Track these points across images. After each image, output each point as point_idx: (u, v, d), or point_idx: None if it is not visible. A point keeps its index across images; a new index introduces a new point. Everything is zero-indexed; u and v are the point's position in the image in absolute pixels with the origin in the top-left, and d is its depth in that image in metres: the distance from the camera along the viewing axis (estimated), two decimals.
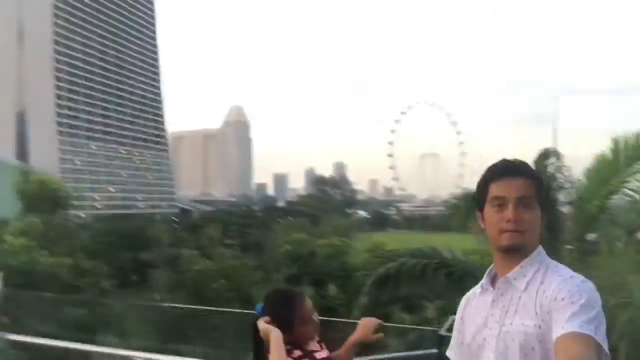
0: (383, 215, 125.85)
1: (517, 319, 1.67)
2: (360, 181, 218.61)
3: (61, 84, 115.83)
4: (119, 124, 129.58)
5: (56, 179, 30.20)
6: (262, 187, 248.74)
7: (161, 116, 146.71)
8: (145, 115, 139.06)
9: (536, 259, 1.75)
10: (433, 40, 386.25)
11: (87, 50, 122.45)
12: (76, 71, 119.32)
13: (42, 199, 24.95)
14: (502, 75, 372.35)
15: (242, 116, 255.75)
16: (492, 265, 1.85)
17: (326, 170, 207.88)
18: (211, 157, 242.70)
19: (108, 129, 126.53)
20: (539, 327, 1.61)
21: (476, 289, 1.91)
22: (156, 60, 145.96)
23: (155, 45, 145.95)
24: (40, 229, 23.65)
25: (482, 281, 1.86)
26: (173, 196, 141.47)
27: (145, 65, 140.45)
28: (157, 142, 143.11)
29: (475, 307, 1.85)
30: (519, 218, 1.70)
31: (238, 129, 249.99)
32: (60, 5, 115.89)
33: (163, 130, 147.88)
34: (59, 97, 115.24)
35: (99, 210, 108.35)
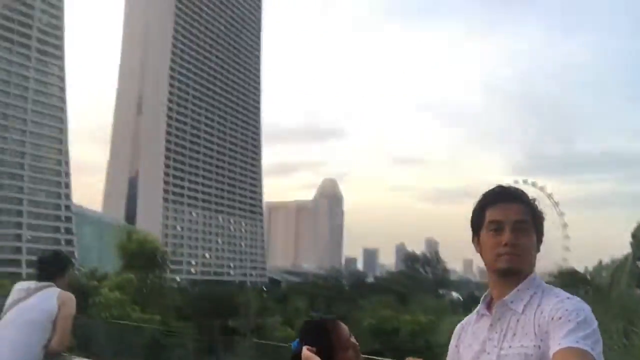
0: (477, 298, 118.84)
1: (516, 341, 1.67)
2: (453, 260, 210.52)
3: (170, 154, 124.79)
4: (218, 192, 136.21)
5: (155, 239, 31.75)
6: (351, 261, 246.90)
7: (258, 187, 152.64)
8: (243, 186, 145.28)
9: (532, 282, 1.77)
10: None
11: (195, 124, 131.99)
12: (184, 142, 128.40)
13: (141, 257, 26.19)
14: None
15: (335, 189, 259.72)
16: (487, 291, 1.88)
17: (418, 247, 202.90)
18: (303, 228, 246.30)
19: (208, 198, 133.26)
20: (539, 347, 1.61)
21: (471, 316, 1.91)
22: (257, 134, 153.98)
23: (258, 121, 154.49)
24: (136, 285, 24.67)
25: (478, 307, 1.86)
26: (264, 265, 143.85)
27: (246, 139, 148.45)
28: (253, 212, 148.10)
29: (471, 334, 1.84)
30: (515, 242, 1.73)
31: (331, 202, 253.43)
32: (176, 82, 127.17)
33: (259, 200, 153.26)
34: (167, 166, 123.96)
35: (194, 275, 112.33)
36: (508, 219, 1.76)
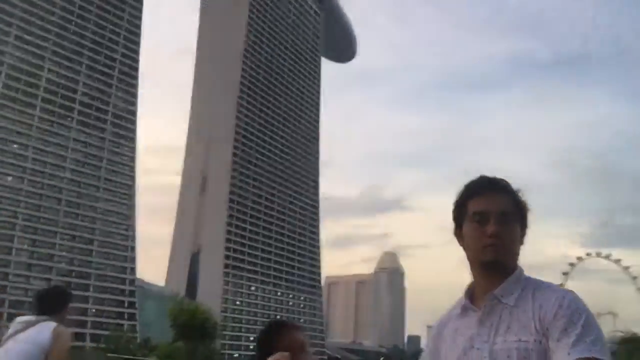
0: None
1: (512, 335, 1.61)
2: None
3: (231, 229, 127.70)
4: (277, 267, 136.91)
5: (207, 310, 32.22)
6: (414, 339, 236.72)
7: (317, 260, 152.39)
8: (303, 259, 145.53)
9: (521, 275, 1.72)
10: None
11: (256, 198, 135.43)
12: (245, 217, 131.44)
13: (192, 327, 26.70)
14: None
15: (396, 263, 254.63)
16: (468, 285, 1.80)
17: None
18: (363, 303, 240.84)
19: (267, 272, 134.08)
20: (540, 342, 1.57)
21: (451, 311, 1.83)
22: (316, 206, 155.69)
23: (316, 193, 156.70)
24: (185, 354, 25.06)
25: (462, 302, 1.78)
26: (323, 342, 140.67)
27: (305, 211, 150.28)
28: (312, 286, 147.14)
29: (455, 330, 1.76)
30: (501, 233, 1.68)
31: (392, 276, 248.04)
32: (238, 159, 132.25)
33: (318, 274, 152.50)
34: (228, 240, 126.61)
35: (252, 351, 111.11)
36: (493, 209, 1.70)
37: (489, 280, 1.71)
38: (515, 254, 1.73)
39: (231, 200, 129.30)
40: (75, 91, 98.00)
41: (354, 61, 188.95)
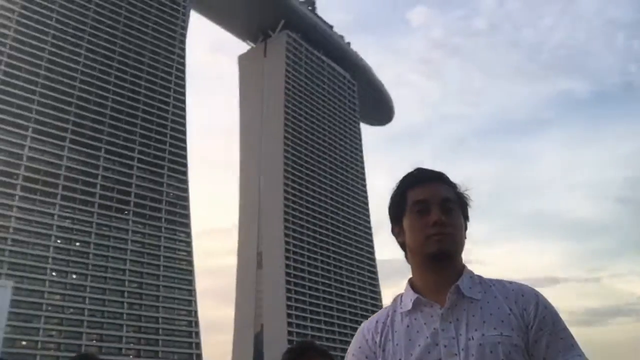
0: None
1: (490, 329, 1.51)
2: None
3: (291, 303, 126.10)
4: (341, 337, 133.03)
5: None
6: None
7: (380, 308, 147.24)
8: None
9: (472, 271, 1.66)
10: None
11: (312, 269, 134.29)
12: (303, 290, 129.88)
13: None
14: None
15: None
16: (409, 281, 1.69)
17: None
18: None
19: (333, 344, 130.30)
20: (522, 338, 1.51)
21: (390, 311, 1.69)
22: (374, 272, 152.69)
23: (372, 259, 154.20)
24: None
25: (410, 297, 1.64)
26: None
27: (364, 278, 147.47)
28: None
29: (408, 328, 1.61)
30: (445, 221, 1.59)
31: None
32: (290, 232, 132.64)
33: None
34: (289, 315, 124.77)
35: None
36: (434, 197, 1.62)
37: (438, 274, 1.61)
38: (461, 244, 1.63)
39: (287, 274, 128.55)
40: (129, 185, 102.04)
41: (393, 122, 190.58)
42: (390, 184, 1.59)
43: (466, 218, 1.69)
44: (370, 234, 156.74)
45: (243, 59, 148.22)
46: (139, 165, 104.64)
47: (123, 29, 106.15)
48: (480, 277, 1.65)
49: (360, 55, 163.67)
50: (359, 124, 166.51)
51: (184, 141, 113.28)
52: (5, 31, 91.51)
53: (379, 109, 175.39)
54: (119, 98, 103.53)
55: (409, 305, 1.62)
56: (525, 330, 1.51)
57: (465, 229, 1.68)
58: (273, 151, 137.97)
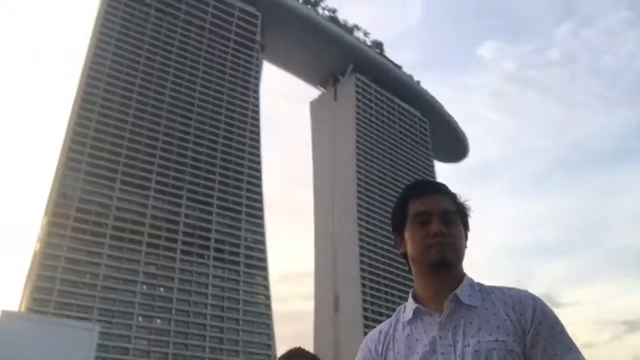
0: None
1: (485, 335, 1.53)
2: None
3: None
4: None
5: None
6: None
7: None
8: None
9: (472, 279, 1.69)
10: None
11: (390, 312, 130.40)
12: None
13: None
14: None
15: None
16: (412, 291, 1.73)
17: None
18: None
19: None
20: (518, 343, 1.53)
21: (396, 319, 1.74)
22: None
23: None
24: None
25: (411, 306, 1.68)
26: None
27: None
28: None
29: (407, 337, 1.65)
30: (445, 231, 1.63)
31: None
32: (366, 274, 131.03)
33: None
34: None
35: None
36: (435, 209, 1.66)
37: (439, 283, 1.64)
38: (461, 254, 1.66)
39: (365, 317, 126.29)
40: (209, 230, 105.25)
41: (468, 158, 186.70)
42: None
43: (466, 228, 1.72)
44: None
45: (314, 104, 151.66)
46: (218, 211, 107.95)
47: (201, 82, 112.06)
48: (480, 284, 1.67)
49: (431, 92, 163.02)
50: (432, 162, 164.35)
51: (260, 186, 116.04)
52: (96, 90, 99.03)
53: (453, 145, 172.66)
54: (198, 147, 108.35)
55: (410, 315, 1.66)
56: (522, 336, 1.53)
57: (466, 239, 1.70)
58: (346, 194, 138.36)
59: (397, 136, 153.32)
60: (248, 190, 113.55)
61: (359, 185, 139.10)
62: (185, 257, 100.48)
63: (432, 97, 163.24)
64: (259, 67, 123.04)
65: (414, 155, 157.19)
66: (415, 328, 1.64)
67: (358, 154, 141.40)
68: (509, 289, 1.65)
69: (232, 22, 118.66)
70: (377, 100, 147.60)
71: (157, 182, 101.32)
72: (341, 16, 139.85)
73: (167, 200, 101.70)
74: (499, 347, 1.50)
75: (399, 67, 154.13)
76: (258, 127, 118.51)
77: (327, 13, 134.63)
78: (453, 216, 1.68)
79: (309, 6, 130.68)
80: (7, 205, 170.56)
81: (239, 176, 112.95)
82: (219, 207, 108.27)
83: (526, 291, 1.63)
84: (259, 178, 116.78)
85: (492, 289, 1.66)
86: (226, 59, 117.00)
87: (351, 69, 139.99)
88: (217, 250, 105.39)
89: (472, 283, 1.67)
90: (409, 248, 1.68)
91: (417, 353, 1.58)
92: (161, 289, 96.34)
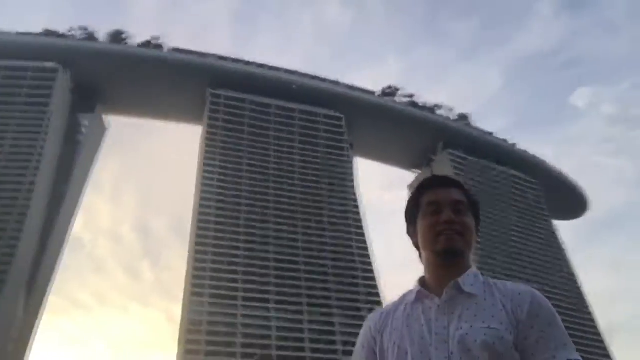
0: None
1: (479, 322, 1.60)
2: None
3: None
4: None
5: None
6: None
7: None
8: None
9: (478, 272, 1.75)
10: None
11: None
12: None
13: None
14: None
15: None
16: (420, 277, 1.81)
17: None
18: None
19: None
20: (510, 333, 1.57)
21: (399, 302, 1.82)
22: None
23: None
24: None
25: (416, 289, 1.78)
26: None
27: None
28: None
29: (408, 316, 1.73)
30: (456, 219, 1.71)
31: None
32: None
33: None
34: None
35: None
36: (446, 199, 1.75)
37: (446, 270, 1.71)
38: (470, 244, 1.73)
39: None
40: (333, 333, 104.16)
41: (590, 210, 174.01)
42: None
43: (477, 220, 1.81)
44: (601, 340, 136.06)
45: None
46: (339, 312, 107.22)
47: (300, 190, 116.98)
48: (486, 277, 1.74)
49: (531, 152, 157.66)
50: (551, 223, 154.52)
51: (374, 279, 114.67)
52: (209, 225, 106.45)
53: (570, 201, 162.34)
54: (308, 252, 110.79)
55: (413, 297, 1.75)
56: (515, 326, 1.58)
57: (477, 231, 1.80)
58: None
59: (505, 202, 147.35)
60: (365, 286, 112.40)
61: (479, 261, 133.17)
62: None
63: (533, 156, 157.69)
64: (351, 163, 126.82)
65: (530, 220, 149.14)
66: (416, 310, 1.72)
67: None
68: (512, 283, 1.71)
69: (319, 128, 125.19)
70: (476, 171, 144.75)
71: (277, 294, 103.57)
72: (419, 100, 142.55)
73: (289, 310, 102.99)
74: (490, 333, 1.55)
75: (490, 134, 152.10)
76: (360, 221, 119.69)
77: (404, 99, 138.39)
78: (464, 207, 1.75)
79: (386, 97, 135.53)
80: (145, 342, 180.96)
81: (352, 272, 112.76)
82: (339, 307, 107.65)
83: (527, 286, 1.69)
84: (372, 271, 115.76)
85: (496, 282, 1.72)
86: (319, 162, 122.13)
87: (442, 146, 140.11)
88: (345, 353, 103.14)
89: (477, 274, 1.73)
90: (420, 236, 1.78)
91: (414, 331, 1.66)
92: None
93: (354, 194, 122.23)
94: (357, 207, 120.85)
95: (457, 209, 1.74)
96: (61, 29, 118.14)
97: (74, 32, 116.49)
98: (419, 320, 1.69)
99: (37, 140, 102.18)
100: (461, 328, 1.59)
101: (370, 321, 1.83)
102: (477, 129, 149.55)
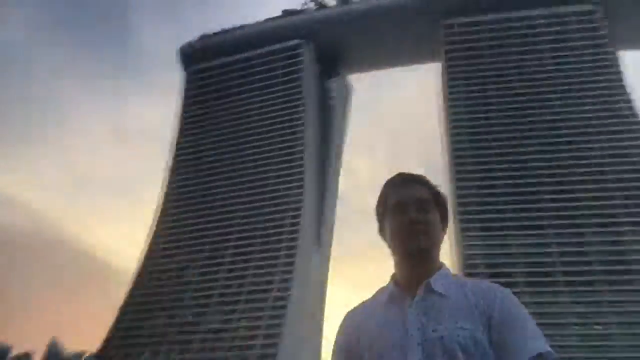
0: None
1: (452, 323, 1.60)
2: None
3: None
4: None
5: None
6: None
7: None
8: None
9: (449, 270, 1.75)
10: None
11: None
12: None
13: None
14: None
15: None
16: (392, 276, 1.80)
17: None
18: None
19: None
20: (482, 332, 1.58)
21: (372, 301, 1.81)
22: None
23: None
24: None
25: (388, 290, 1.77)
26: None
27: None
28: None
29: (381, 319, 1.72)
30: (421, 219, 1.71)
31: None
32: None
33: None
34: None
35: None
36: (410, 198, 1.76)
37: (416, 271, 1.71)
38: (437, 242, 1.74)
39: None
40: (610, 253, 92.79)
41: None
42: None
43: (444, 217, 1.81)
44: None
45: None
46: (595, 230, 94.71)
47: (560, 104, 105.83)
48: (457, 275, 1.76)
49: None
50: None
51: None
52: (466, 160, 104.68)
53: None
54: (586, 169, 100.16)
55: (386, 298, 1.76)
56: (486, 324, 1.59)
57: (444, 227, 1.81)
58: None
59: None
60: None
61: None
62: (603, 288, 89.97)
63: None
64: (616, 60, 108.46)
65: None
66: (388, 310, 1.72)
67: None
68: (482, 281, 1.74)
69: (568, 29, 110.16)
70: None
71: (554, 218, 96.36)
72: None
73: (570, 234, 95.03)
74: (464, 334, 1.57)
75: None
76: None
77: None
78: (428, 205, 1.76)
79: None
80: None
81: None
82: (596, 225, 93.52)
83: (496, 284, 1.71)
84: None
85: (467, 281, 1.74)
86: (576, 67, 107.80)
87: None
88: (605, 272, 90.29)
89: (448, 273, 1.75)
90: (388, 237, 1.79)
91: (387, 334, 1.66)
92: (599, 327, 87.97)
93: (627, 94, 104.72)
94: (631, 108, 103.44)
95: (421, 207, 1.72)
96: (296, 4, 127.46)
97: (307, 4, 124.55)
98: (393, 323, 1.67)
99: (298, 113, 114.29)
100: (435, 330, 1.59)
101: (350, 321, 1.82)
102: None
